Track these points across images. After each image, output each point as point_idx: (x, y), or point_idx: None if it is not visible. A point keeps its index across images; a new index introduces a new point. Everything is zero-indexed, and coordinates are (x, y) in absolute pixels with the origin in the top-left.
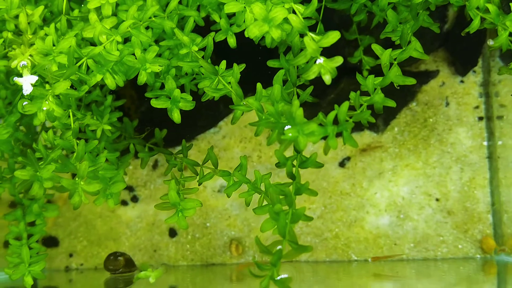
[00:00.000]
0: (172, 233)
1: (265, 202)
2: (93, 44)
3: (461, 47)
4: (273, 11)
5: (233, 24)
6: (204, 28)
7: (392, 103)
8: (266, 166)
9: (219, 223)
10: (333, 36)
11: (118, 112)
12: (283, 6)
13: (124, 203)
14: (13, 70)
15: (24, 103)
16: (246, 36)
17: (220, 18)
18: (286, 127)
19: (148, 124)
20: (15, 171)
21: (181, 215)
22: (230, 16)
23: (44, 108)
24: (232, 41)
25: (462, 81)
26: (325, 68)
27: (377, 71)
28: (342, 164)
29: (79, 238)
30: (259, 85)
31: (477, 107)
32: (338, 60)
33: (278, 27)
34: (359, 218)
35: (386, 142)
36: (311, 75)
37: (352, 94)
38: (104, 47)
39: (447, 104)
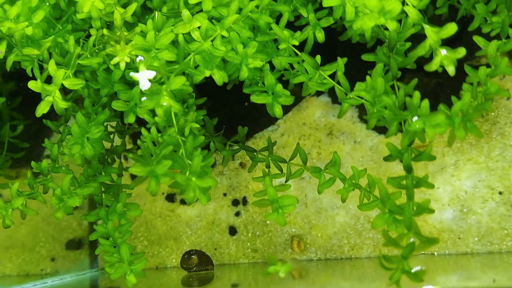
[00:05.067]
0: (232, 231)
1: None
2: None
3: None
4: (389, 3)
5: (320, 19)
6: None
7: (506, 93)
8: (326, 163)
9: None
10: (451, 28)
11: (203, 110)
12: None
13: (183, 202)
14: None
15: (142, 99)
16: (355, 29)
17: (308, 13)
18: (414, 119)
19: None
20: (130, 168)
21: (281, 212)
22: (315, 11)
23: (164, 104)
24: (320, 36)
25: None
26: (449, 59)
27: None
28: None
29: (139, 238)
30: (368, 78)
31: None
32: (461, 52)
33: (393, 19)
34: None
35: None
36: (433, 66)
37: (466, 86)
38: (212, 42)
39: (508, 97)
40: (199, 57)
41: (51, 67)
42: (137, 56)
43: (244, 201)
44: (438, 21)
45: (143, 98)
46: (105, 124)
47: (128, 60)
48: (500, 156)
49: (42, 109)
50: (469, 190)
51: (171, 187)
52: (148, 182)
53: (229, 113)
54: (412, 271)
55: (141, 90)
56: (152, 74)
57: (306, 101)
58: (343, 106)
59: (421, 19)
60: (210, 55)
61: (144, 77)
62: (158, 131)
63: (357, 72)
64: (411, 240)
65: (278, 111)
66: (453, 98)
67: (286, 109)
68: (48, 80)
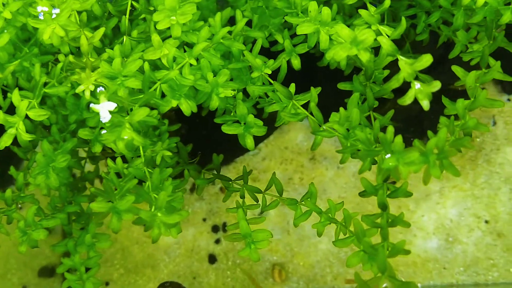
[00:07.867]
0: (212, 259)
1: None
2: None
3: (508, 66)
4: (361, 33)
5: (296, 45)
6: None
7: (485, 129)
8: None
9: None
10: (426, 60)
11: (176, 137)
12: (370, 28)
13: None
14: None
15: (102, 132)
16: (328, 58)
17: (283, 39)
18: (387, 156)
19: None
20: (91, 203)
21: (253, 248)
22: (292, 36)
23: (126, 137)
24: (296, 63)
25: (509, 99)
26: (423, 93)
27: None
28: None
29: (115, 265)
30: (342, 109)
31: None
32: (436, 85)
33: (366, 50)
34: (406, 241)
35: None
36: (407, 100)
37: (443, 119)
38: (179, 70)
39: (494, 123)
40: (166, 86)
41: (15, 97)
42: (98, 86)
43: (224, 227)
44: (420, 47)
45: (103, 131)
46: (77, 149)
47: (92, 88)
48: (486, 184)
49: (4, 142)
50: (455, 218)
51: (135, 224)
52: (110, 218)
53: (208, 137)
54: None
55: (101, 122)
56: (113, 105)
57: (288, 124)
58: (316, 139)
59: (396, 50)
60: (177, 84)
61: (104, 109)
62: (126, 161)
63: (336, 97)
64: (384, 285)
65: (249, 142)
66: (429, 133)
67: (268, 132)
68: (12, 107)
